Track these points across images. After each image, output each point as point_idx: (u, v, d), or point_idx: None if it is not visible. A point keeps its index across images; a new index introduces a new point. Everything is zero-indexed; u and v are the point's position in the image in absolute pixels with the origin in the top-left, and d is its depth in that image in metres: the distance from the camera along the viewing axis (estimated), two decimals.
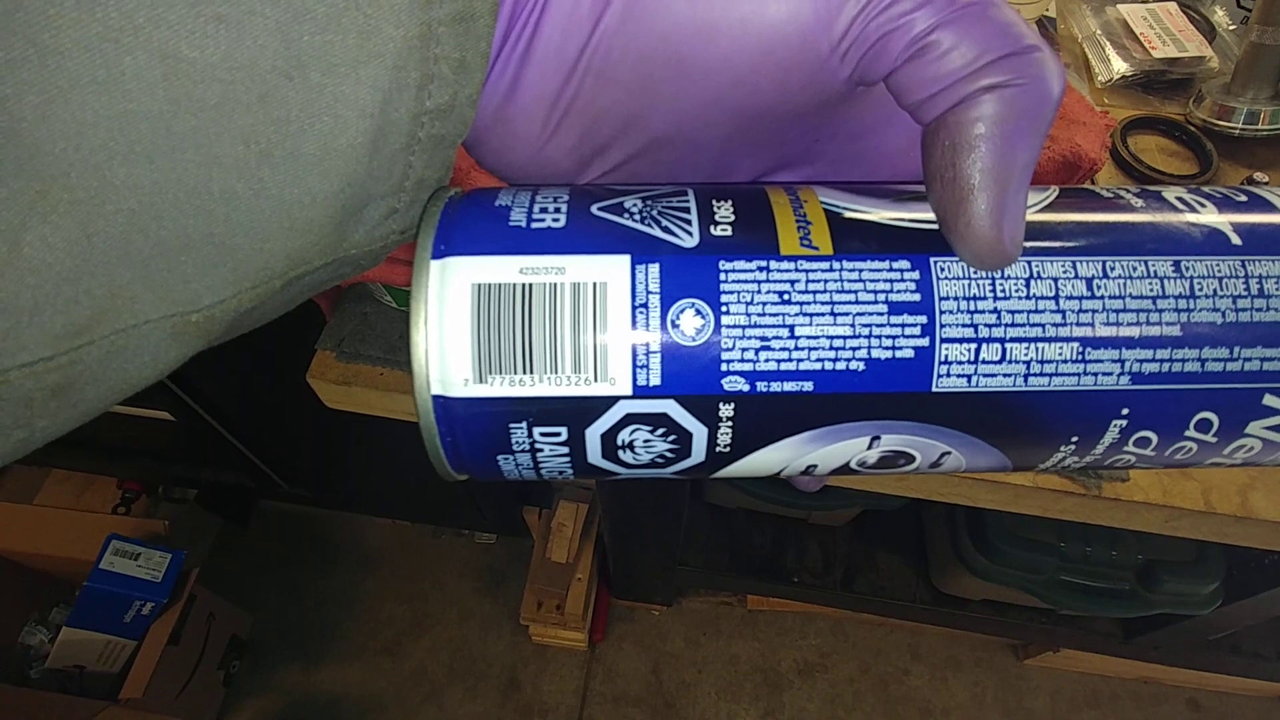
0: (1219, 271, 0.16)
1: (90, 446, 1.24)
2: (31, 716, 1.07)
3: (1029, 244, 0.16)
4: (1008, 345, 0.16)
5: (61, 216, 0.12)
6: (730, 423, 0.16)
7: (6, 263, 0.12)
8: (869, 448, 0.17)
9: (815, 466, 0.18)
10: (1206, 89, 0.63)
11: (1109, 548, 0.90)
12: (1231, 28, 0.72)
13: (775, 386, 0.16)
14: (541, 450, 0.17)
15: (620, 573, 1.24)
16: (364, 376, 0.50)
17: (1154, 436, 0.17)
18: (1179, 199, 0.18)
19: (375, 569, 1.39)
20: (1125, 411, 0.17)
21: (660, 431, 0.16)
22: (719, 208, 0.17)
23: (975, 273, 0.16)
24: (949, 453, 0.18)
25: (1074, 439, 0.17)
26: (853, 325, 0.16)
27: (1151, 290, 0.16)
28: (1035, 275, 0.16)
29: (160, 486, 1.36)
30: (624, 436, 0.16)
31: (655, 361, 0.16)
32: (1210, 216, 0.17)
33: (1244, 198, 0.18)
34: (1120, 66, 0.66)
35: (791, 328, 0.16)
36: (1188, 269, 0.16)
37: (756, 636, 1.34)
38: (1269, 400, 0.17)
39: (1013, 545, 0.91)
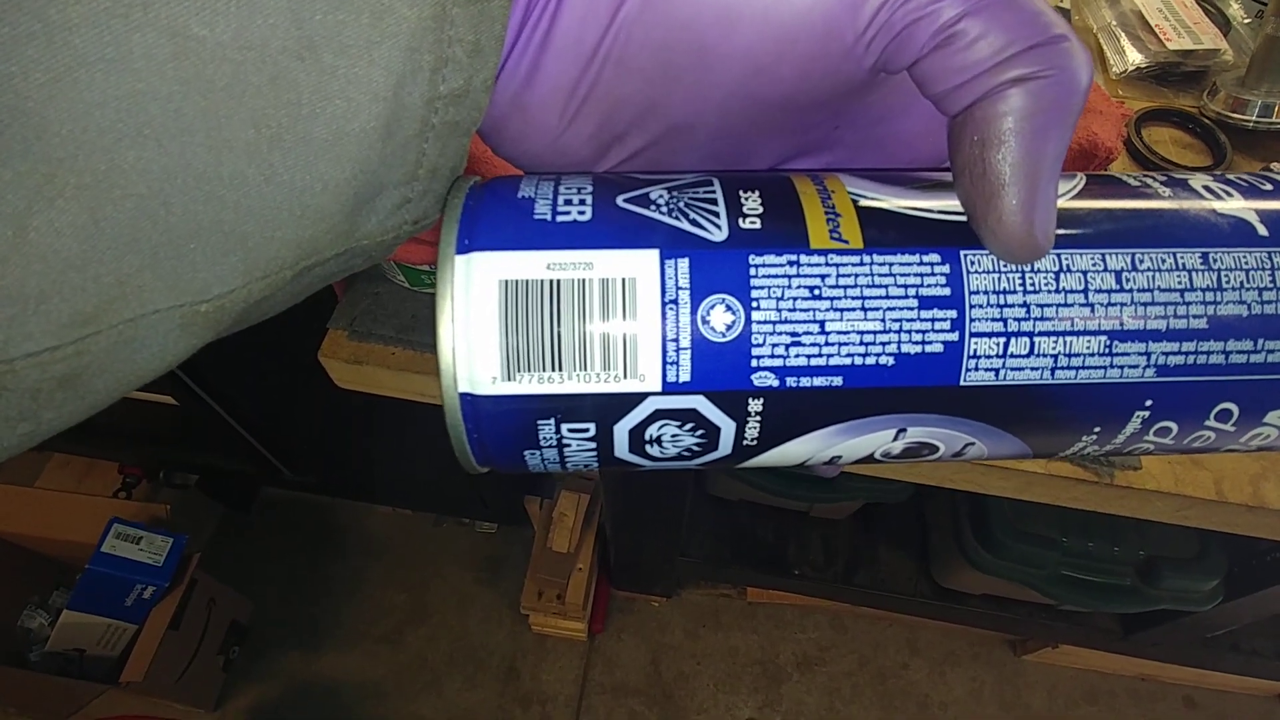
0: (1246, 264, 0.16)
1: (92, 431, 1.23)
2: (31, 699, 1.07)
3: (1058, 233, 0.16)
4: (1036, 339, 0.16)
5: (69, 201, 0.12)
6: (759, 417, 0.16)
7: (12, 248, 0.11)
8: (894, 439, 0.17)
9: (840, 457, 0.18)
10: (1221, 82, 0.62)
11: (1111, 543, 0.90)
12: (1246, 21, 0.71)
13: (805, 382, 0.16)
14: (569, 445, 0.17)
15: (621, 563, 1.24)
16: (376, 355, 0.50)
17: (1175, 426, 0.17)
18: (1205, 187, 0.18)
19: (376, 557, 1.39)
20: (1149, 403, 0.17)
21: (688, 426, 0.16)
22: (746, 199, 0.17)
23: (1005, 266, 0.16)
24: (972, 443, 0.18)
25: (1097, 429, 0.17)
26: (883, 320, 0.16)
27: (1179, 283, 0.16)
28: (1065, 268, 0.16)
29: (161, 472, 1.36)
30: (652, 431, 0.16)
31: (685, 358, 0.15)
32: (1236, 204, 0.17)
33: (1269, 185, 0.18)
34: (1135, 58, 0.65)
35: (822, 323, 0.15)
36: (1215, 261, 0.16)
37: (756, 629, 1.34)
38: None
39: (1015, 539, 0.91)
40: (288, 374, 0.93)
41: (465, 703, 1.27)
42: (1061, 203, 0.17)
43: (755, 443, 0.17)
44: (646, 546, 1.13)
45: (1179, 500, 0.47)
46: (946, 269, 0.16)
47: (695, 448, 0.17)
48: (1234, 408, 0.17)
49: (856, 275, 0.16)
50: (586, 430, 0.16)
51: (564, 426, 0.16)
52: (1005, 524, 0.91)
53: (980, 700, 1.29)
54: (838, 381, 0.16)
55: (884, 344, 0.16)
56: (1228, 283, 0.16)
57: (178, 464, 1.35)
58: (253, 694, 1.26)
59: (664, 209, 0.16)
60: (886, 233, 0.16)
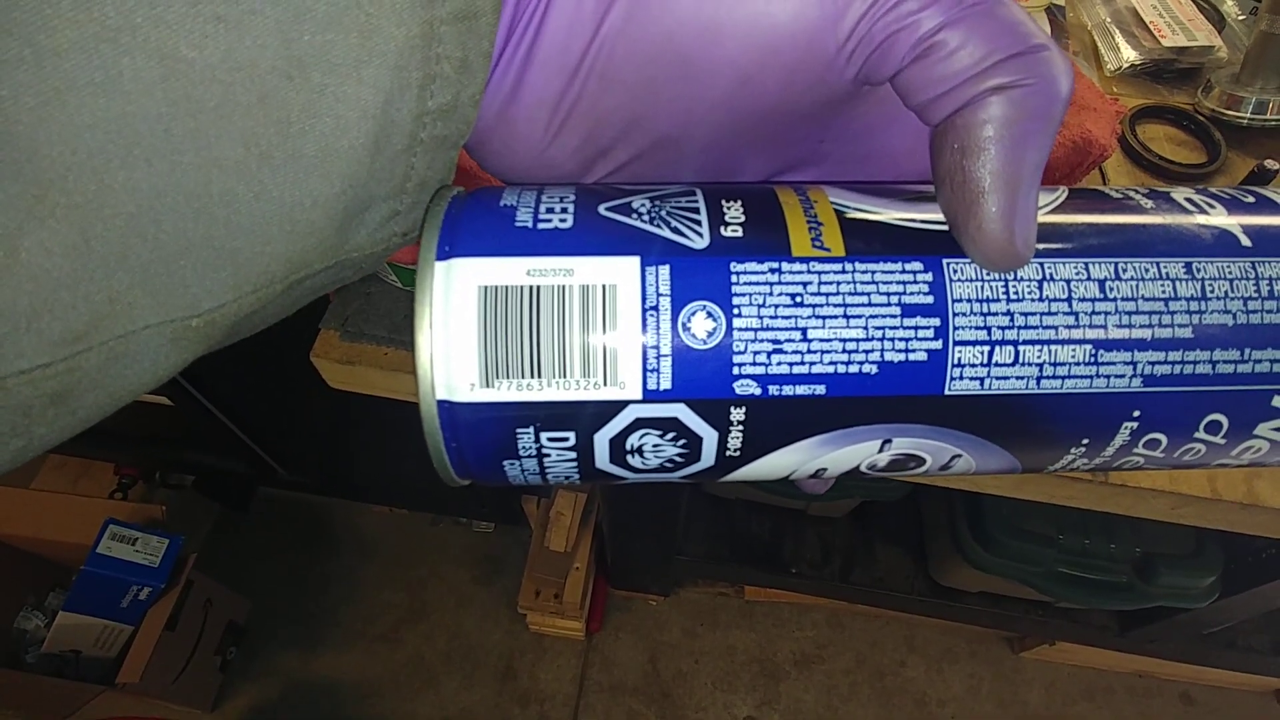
0: (1230, 273, 0.16)
1: (88, 432, 1.22)
2: (28, 701, 1.07)
3: (1041, 245, 0.16)
4: (1021, 347, 0.16)
5: (59, 221, 0.12)
6: (741, 427, 0.16)
7: (4, 268, 0.11)
8: (880, 451, 0.17)
9: (825, 470, 0.18)
10: (1215, 78, 0.62)
11: (1107, 540, 0.90)
12: (1241, 17, 0.71)
13: (787, 390, 0.16)
14: (548, 455, 0.16)
15: (618, 562, 1.25)
16: (368, 356, 0.50)
17: (1164, 438, 0.17)
18: (1188, 200, 0.18)
19: (373, 556, 1.39)
20: (1136, 414, 0.17)
21: (670, 436, 0.16)
22: (729, 208, 0.17)
23: (988, 274, 0.16)
24: (959, 455, 0.17)
25: (1085, 441, 0.17)
26: (866, 328, 0.15)
27: (1164, 292, 0.16)
28: (1048, 277, 0.16)
29: (158, 473, 1.36)
30: (633, 441, 0.16)
31: (666, 365, 0.15)
32: (1220, 218, 0.17)
33: (1252, 199, 0.18)
34: (1129, 55, 0.65)
35: (804, 330, 0.15)
36: (1199, 270, 0.16)
37: (753, 627, 1.34)
38: (1278, 401, 0.17)
39: (1011, 537, 0.91)
40: (283, 374, 0.93)
41: (463, 702, 1.27)
42: (1043, 215, 0.17)
43: (738, 453, 0.17)
44: (643, 545, 1.14)
45: (1174, 498, 0.47)
46: (929, 277, 0.16)
47: (677, 458, 0.17)
48: (1223, 419, 0.17)
49: (839, 283, 0.16)
50: (566, 439, 0.16)
51: (543, 435, 0.16)
52: (1002, 521, 0.91)
53: (978, 697, 1.29)
54: (821, 390, 0.16)
55: (867, 352, 0.16)
56: (1212, 292, 0.16)
57: (174, 464, 1.35)
58: (250, 694, 1.26)
59: (646, 217, 0.16)
60: (869, 241, 0.16)
